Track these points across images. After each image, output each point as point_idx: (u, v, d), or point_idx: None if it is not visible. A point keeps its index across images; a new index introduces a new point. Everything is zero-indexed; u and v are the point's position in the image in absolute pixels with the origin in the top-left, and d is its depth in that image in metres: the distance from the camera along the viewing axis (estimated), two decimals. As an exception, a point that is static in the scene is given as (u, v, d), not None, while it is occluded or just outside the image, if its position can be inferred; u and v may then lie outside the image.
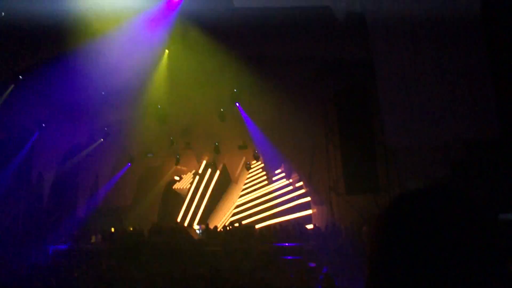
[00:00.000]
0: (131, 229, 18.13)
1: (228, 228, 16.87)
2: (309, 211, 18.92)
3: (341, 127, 12.42)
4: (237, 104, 14.68)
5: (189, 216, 22.90)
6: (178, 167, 22.99)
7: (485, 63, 7.80)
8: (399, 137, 9.08)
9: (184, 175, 25.05)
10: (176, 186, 25.01)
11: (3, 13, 9.51)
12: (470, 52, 7.72)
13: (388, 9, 8.19)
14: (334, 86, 12.41)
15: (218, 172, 23.35)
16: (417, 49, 8.00)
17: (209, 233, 16.47)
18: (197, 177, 24.06)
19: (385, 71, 8.88)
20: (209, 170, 23.70)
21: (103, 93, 13.06)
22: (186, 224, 21.56)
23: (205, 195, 23.49)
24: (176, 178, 24.87)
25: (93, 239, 15.90)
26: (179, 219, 22.34)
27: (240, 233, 15.33)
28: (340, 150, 12.52)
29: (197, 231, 16.58)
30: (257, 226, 18.95)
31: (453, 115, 8.12)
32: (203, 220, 21.66)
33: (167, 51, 13.01)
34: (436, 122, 8.31)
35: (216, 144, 18.89)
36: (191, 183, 24.35)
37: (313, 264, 11.59)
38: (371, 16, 8.68)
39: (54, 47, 11.02)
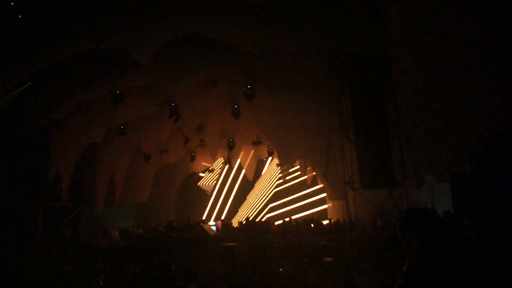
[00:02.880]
0: (148, 225, 18.36)
1: (244, 223, 16.94)
2: (325, 206, 18.93)
3: (356, 122, 12.34)
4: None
5: (215, 213, 23.24)
6: (203, 163, 23.28)
7: (505, 56, 7.66)
8: (416, 129, 9.01)
9: (208, 172, 25.38)
10: (200, 183, 25.35)
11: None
12: (489, 45, 7.59)
13: (406, 2, 8.10)
14: (349, 81, 12.33)
15: (235, 169, 23.57)
16: (435, 41, 7.89)
17: (225, 228, 16.57)
18: (222, 174, 24.35)
19: (403, 65, 8.79)
20: (227, 167, 23.95)
21: (118, 91, 13.22)
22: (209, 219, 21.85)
23: (230, 192, 23.79)
24: (201, 174, 25.21)
25: (112, 235, 16.14)
26: (204, 216, 22.63)
27: (256, 228, 15.40)
28: (355, 145, 12.44)
29: (213, 227, 16.69)
30: (273, 221, 19.03)
31: (472, 108, 8.00)
32: (229, 217, 21.91)
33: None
34: (454, 114, 8.21)
35: (231, 140, 18.96)
36: (217, 180, 24.64)
37: (329, 259, 11.60)
38: (388, 9, 8.60)
39: (73, 45, 11.18)
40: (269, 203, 21.86)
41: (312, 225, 15.66)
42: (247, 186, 23.76)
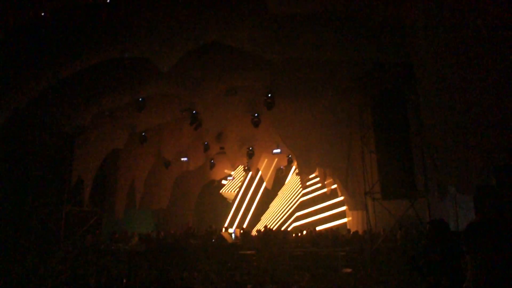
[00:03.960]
0: (167, 232, 18.48)
1: (262, 232, 16.89)
2: (345, 220, 18.76)
3: (377, 131, 12.22)
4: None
5: (237, 221, 23.32)
6: (226, 171, 23.43)
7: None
8: (440, 139, 8.86)
9: (230, 180, 25.53)
10: (223, 190, 25.52)
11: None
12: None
13: (430, 10, 8.02)
14: (370, 90, 12.25)
15: (258, 177, 23.65)
16: (460, 50, 7.77)
17: (244, 237, 16.55)
18: (245, 181, 24.45)
19: (426, 74, 8.69)
20: (250, 174, 24.02)
21: (140, 99, 13.44)
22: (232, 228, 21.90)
23: (253, 200, 23.86)
24: (224, 182, 25.38)
25: (132, 241, 16.28)
26: (226, 224, 22.71)
27: (274, 238, 15.33)
28: (376, 155, 12.31)
29: (232, 235, 16.68)
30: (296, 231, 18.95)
31: (497, 118, 7.83)
32: (252, 225, 21.94)
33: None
34: (479, 125, 8.05)
35: (250, 149, 19.01)
36: (239, 188, 24.75)
37: (348, 270, 11.46)
38: (411, 17, 8.53)
39: (97, 54, 11.43)
40: (294, 212, 21.80)
41: (330, 235, 15.50)
42: (271, 194, 23.76)
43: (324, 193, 20.25)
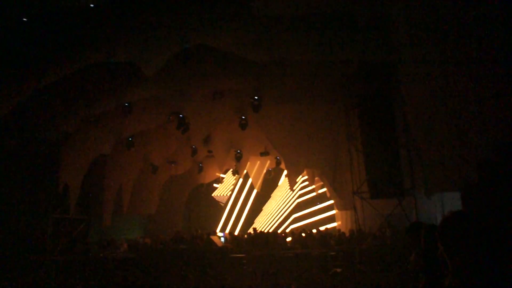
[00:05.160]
0: (155, 237, 18.34)
1: (251, 234, 16.87)
2: (333, 211, 18.83)
3: (363, 131, 12.32)
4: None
5: (230, 224, 23.25)
6: (217, 174, 23.38)
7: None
8: (425, 138, 8.96)
9: (221, 183, 25.47)
10: (215, 193, 25.43)
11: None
12: (500, 52, 7.55)
13: (414, 9, 8.12)
14: (356, 90, 12.35)
15: (250, 180, 23.61)
16: (443, 49, 7.88)
17: (233, 240, 16.51)
18: (237, 184, 24.39)
19: (411, 73, 8.79)
20: (242, 178, 23.96)
21: (126, 104, 13.33)
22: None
23: (246, 203, 23.80)
24: (216, 185, 25.31)
25: (120, 248, 16.14)
26: (219, 228, 22.63)
27: (264, 240, 15.33)
28: (363, 154, 12.41)
29: (221, 239, 16.63)
30: (280, 232, 18.95)
31: (481, 116, 7.96)
32: (246, 228, 21.91)
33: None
34: (463, 123, 8.17)
35: (239, 151, 18.98)
36: (232, 191, 24.67)
37: (338, 270, 11.50)
38: (395, 17, 8.62)
39: (81, 59, 11.32)
40: (291, 214, 21.83)
41: (319, 235, 15.56)
42: (264, 197, 23.75)
43: (324, 193, 20.37)
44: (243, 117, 14.82)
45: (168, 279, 11.05)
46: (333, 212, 19.65)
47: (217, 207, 25.10)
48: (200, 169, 21.79)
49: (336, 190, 15.85)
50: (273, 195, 23.76)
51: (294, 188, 21.39)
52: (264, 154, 19.27)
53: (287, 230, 20.48)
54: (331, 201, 19.18)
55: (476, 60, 7.62)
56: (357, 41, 10.01)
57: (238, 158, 19.26)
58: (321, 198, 20.70)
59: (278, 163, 20.72)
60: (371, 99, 12.12)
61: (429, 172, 9.98)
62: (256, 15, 9.57)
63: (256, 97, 13.22)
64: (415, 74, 8.69)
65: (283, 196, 23.06)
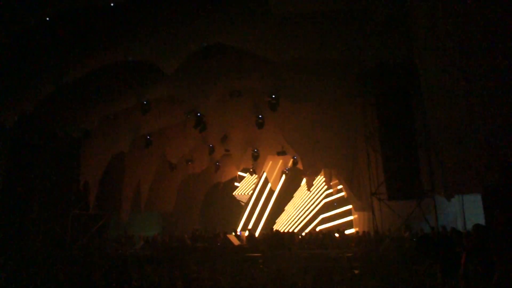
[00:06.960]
0: (172, 234, 18.48)
1: (269, 234, 16.84)
2: (351, 217, 18.62)
3: (381, 131, 12.13)
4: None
5: (251, 223, 23.29)
6: (237, 173, 23.46)
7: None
8: (445, 138, 8.80)
9: (243, 182, 25.54)
10: (236, 192, 25.51)
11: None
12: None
13: (433, 8, 7.97)
14: (374, 90, 12.18)
15: (269, 182, 23.58)
16: (463, 48, 7.71)
17: (250, 239, 16.51)
18: (259, 184, 24.40)
19: (430, 72, 8.63)
20: (263, 177, 23.94)
21: (145, 102, 13.47)
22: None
23: (267, 203, 23.79)
24: (237, 184, 25.39)
25: (137, 245, 16.32)
26: (239, 227, 22.68)
27: (281, 239, 15.28)
28: (381, 155, 12.22)
29: (238, 238, 16.63)
30: (297, 232, 18.84)
31: (503, 116, 7.76)
32: (268, 227, 21.91)
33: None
34: (484, 123, 7.98)
35: (255, 150, 18.97)
36: (253, 190, 24.70)
37: (356, 271, 11.38)
38: (415, 16, 8.49)
39: (101, 58, 11.48)
40: (318, 214, 21.73)
41: (337, 235, 15.44)
42: (287, 196, 23.71)
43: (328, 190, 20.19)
44: (260, 116, 14.80)
45: (183, 277, 11.10)
46: (351, 217, 19.46)
47: (238, 206, 25.12)
48: (217, 168, 21.86)
49: (354, 191, 15.70)
50: (295, 194, 23.64)
51: (312, 189, 21.25)
52: (281, 153, 19.22)
53: (317, 230, 20.28)
54: (350, 206, 18.98)
55: (498, 60, 7.44)
56: (376, 40, 9.89)
57: (255, 157, 19.25)
58: (340, 202, 20.52)
59: (295, 162, 20.64)
60: (389, 99, 11.91)
61: (449, 173, 9.78)
62: (274, 13, 9.54)
63: (273, 96, 13.18)
64: (435, 74, 8.53)
65: (305, 196, 22.91)
